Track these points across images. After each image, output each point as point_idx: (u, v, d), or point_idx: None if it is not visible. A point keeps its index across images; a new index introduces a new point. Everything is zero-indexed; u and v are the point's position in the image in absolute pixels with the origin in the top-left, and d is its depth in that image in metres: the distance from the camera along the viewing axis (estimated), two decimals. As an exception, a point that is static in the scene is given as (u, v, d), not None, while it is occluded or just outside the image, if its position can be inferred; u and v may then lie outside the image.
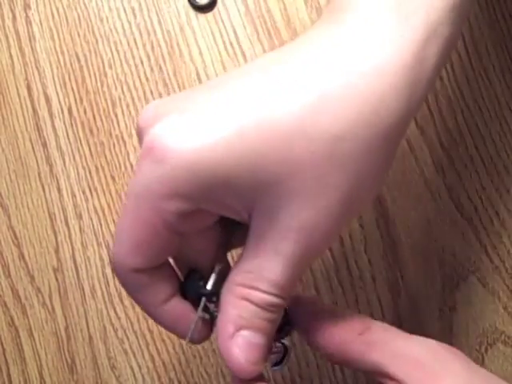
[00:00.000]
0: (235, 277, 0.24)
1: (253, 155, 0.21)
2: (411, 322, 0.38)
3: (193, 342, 0.26)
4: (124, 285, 0.24)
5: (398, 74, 0.22)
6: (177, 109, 0.22)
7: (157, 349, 0.38)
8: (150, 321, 0.38)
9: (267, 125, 0.21)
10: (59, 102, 0.41)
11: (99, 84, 0.41)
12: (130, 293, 0.25)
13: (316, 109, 0.21)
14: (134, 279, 0.24)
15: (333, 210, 0.22)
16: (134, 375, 0.38)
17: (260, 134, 0.21)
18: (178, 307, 0.25)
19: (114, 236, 0.24)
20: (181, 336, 0.26)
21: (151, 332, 0.38)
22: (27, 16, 0.42)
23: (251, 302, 0.23)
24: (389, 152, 0.24)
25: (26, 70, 0.41)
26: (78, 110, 0.41)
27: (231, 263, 0.26)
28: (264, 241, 0.23)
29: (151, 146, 0.21)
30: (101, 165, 0.40)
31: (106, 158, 0.40)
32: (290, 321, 0.27)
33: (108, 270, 0.39)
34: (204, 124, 0.21)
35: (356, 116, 0.21)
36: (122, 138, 0.40)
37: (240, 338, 0.23)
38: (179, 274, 0.26)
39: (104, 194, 0.40)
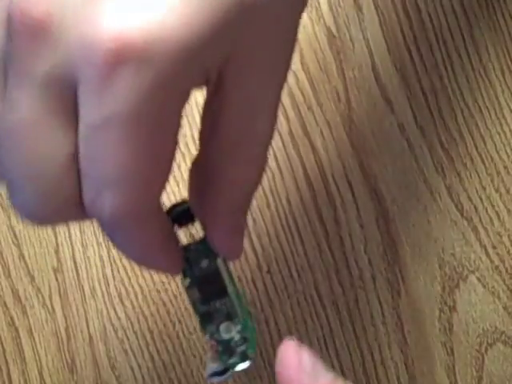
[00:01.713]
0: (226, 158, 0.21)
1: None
2: (411, 322, 0.38)
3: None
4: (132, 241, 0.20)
5: None
6: None
7: (157, 349, 0.38)
8: (150, 321, 0.38)
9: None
10: (59, 103, 0.41)
11: (99, 84, 0.41)
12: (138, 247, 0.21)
13: None
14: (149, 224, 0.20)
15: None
16: (134, 375, 0.38)
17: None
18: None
19: (109, 185, 0.18)
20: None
21: (151, 332, 0.38)
22: (27, 16, 0.42)
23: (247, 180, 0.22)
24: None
25: (26, 71, 0.41)
26: (78, 110, 0.41)
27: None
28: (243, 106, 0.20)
29: (121, 45, 0.15)
30: (101, 165, 0.40)
31: (106, 158, 0.40)
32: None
33: (108, 270, 0.39)
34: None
35: None
36: (122, 138, 0.40)
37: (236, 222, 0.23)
38: None
39: (104, 194, 0.40)
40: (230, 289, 0.24)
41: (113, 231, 0.19)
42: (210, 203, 0.22)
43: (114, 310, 0.39)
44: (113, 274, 0.39)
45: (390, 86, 0.39)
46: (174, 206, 0.25)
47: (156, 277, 0.39)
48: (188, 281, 0.24)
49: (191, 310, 0.24)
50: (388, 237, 0.38)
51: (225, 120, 0.20)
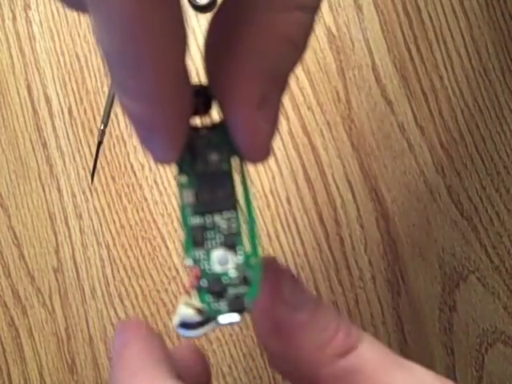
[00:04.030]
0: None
1: None
2: (411, 322, 0.38)
3: None
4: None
5: None
6: None
7: (157, 349, 0.38)
8: (150, 321, 0.39)
9: None
10: (59, 103, 0.41)
11: (99, 84, 0.41)
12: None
13: None
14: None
15: None
16: (134, 375, 0.38)
17: None
18: None
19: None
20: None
21: (151, 332, 0.38)
22: (27, 16, 0.42)
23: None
24: None
25: (26, 71, 0.41)
26: (78, 110, 0.41)
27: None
28: None
29: None
30: (101, 165, 0.40)
31: (106, 158, 0.40)
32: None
33: (108, 270, 0.39)
34: None
35: None
36: (122, 137, 0.40)
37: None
38: None
39: (104, 194, 0.40)
40: (241, 203, 0.16)
41: (98, 15, 0.13)
42: (233, 63, 0.15)
43: (114, 309, 0.39)
44: (113, 274, 0.39)
45: (390, 85, 0.39)
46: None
47: (156, 277, 0.39)
48: (185, 178, 0.17)
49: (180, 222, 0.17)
50: (388, 237, 0.38)
51: None
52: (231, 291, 0.16)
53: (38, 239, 0.40)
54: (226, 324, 0.16)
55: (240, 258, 0.16)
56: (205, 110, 0.17)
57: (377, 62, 0.39)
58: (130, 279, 0.39)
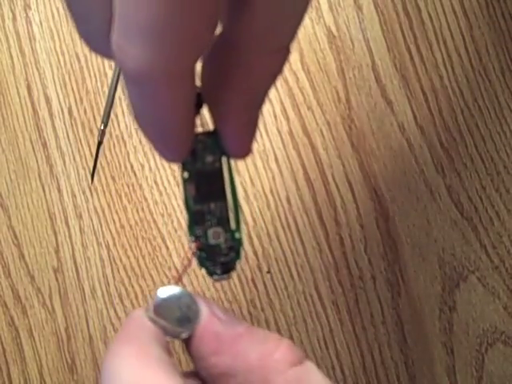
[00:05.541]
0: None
1: None
2: (411, 322, 0.38)
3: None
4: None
5: None
6: None
7: (157, 349, 0.38)
8: (150, 321, 0.39)
9: None
10: (59, 103, 0.41)
11: (99, 84, 0.41)
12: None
13: None
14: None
15: None
16: (134, 375, 0.38)
17: None
18: None
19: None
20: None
21: (151, 332, 0.38)
22: (27, 16, 0.42)
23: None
24: None
25: (26, 71, 0.41)
26: (78, 110, 0.41)
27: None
28: None
29: None
30: (101, 165, 0.40)
31: (106, 158, 0.40)
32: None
33: (108, 270, 0.39)
34: None
35: None
36: (122, 138, 0.40)
37: None
38: None
39: (104, 194, 0.40)
40: (228, 193, 0.22)
41: (133, 87, 0.17)
42: (225, 94, 0.19)
43: (114, 309, 0.39)
44: (113, 274, 0.39)
45: (390, 85, 0.39)
46: None
47: (156, 277, 0.39)
48: (187, 174, 0.22)
49: (182, 206, 0.23)
50: (388, 237, 0.38)
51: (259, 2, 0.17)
52: (223, 258, 0.23)
53: (37, 239, 0.40)
54: (219, 280, 0.23)
55: (228, 235, 0.22)
56: (197, 111, 0.21)
57: (377, 62, 0.39)
58: (130, 279, 0.39)
